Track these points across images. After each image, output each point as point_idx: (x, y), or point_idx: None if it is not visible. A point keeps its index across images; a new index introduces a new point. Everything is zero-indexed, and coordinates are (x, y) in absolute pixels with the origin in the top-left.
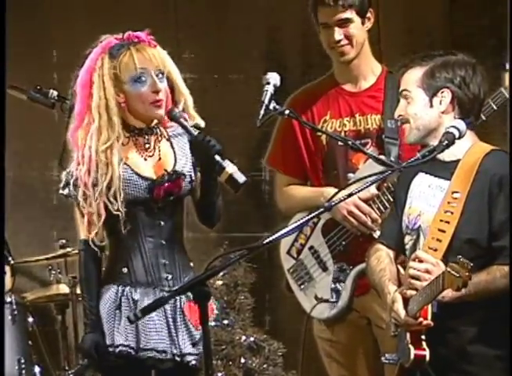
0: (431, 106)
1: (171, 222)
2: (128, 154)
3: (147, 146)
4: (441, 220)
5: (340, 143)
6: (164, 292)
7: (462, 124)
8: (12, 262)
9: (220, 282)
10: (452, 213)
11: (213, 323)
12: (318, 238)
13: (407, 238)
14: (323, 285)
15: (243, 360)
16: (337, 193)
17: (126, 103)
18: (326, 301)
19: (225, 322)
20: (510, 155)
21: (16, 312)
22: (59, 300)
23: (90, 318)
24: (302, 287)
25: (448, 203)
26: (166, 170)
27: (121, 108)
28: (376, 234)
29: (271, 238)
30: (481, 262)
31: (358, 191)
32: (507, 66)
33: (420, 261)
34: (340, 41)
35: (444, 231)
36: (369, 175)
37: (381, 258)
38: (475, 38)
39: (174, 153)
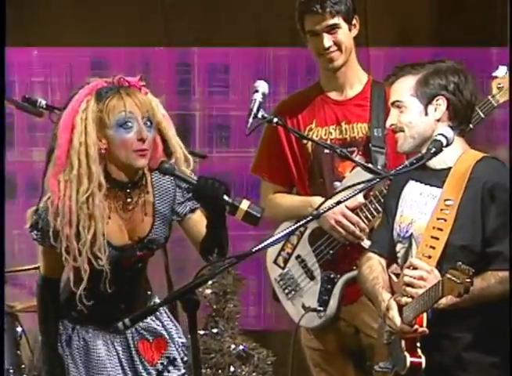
0: (426, 114)
1: (136, 283)
2: (109, 211)
3: (128, 200)
4: (434, 227)
5: (326, 151)
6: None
7: (450, 132)
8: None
9: (209, 290)
10: (445, 220)
11: (202, 332)
12: (305, 247)
13: (399, 246)
14: (311, 294)
15: (232, 369)
16: (325, 202)
17: (108, 150)
18: (314, 310)
19: (214, 330)
20: (510, 156)
21: (4, 322)
22: None
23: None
24: (289, 296)
25: (441, 210)
26: (140, 237)
27: (102, 155)
28: (364, 243)
29: (259, 246)
30: (475, 268)
31: (347, 199)
32: (494, 74)
33: (415, 268)
34: (329, 47)
35: (437, 238)
36: (357, 183)
37: (373, 266)
38: (463, 38)
39: (154, 212)
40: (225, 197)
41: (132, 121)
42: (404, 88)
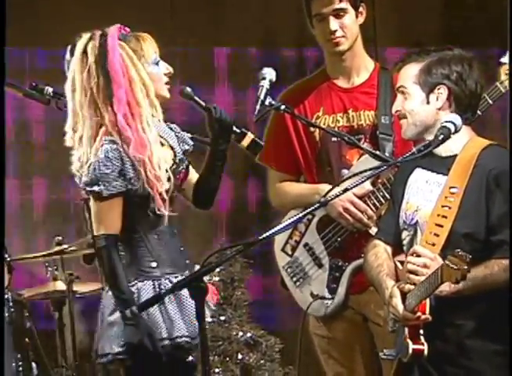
0: (428, 102)
1: (174, 211)
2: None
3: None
4: (438, 215)
5: (334, 139)
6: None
7: (458, 119)
8: (8, 258)
9: (216, 278)
10: (449, 208)
11: (210, 319)
12: (313, 235)
13: (404, 233)
14: (319, 282)
15: (240, 356)
16: (332, 189)
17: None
18: (322, 298)
19: (222, 318)
20: (510, 152)
21: (12, 310)
22: (55, 297)
23: (130, 312)
24: (297, 284)
25: (446, 198)
26: (173, 159)
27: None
28: (372, 231)
29: (266, 234)
30: (478, 256)
31: (354, 186)
32: (503, 60)
33: (418, 255)
34: (335, 31)
35: (441, 226)
36: (364, 170)
37: (379, 253)
38: (471, 34)
39: (169, 137)
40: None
41: (158, 59)
42: (408, 76)
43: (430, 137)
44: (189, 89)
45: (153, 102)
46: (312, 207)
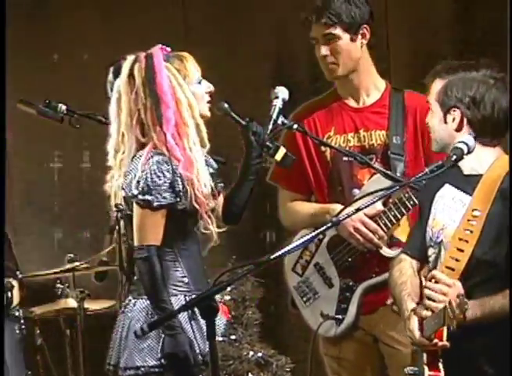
0: (445, 122)
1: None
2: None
3: None
4: (460, 239)
5: (345, 158)
6: None
7: (471, 140)
8: (20, 276)
9: (228, 297)
10: (471, 232)
11: (220, 338)
12: (323, 255)
13: (430, 250)
14: (329, 302)
15: None
16: (344, 209)
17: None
18: (333, 318)
19: (233, 337)
20: (510, 153)
21: (23, 327)
22: (67, 314)
23: (171, 322)
24: (308, 303)
25: (468, 221)
26: (209, 179)
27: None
28: (384, 251)
29: (277, 253)
30: (498, 283)
31: (366, 206)
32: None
33: (437, 281)
34: (326, 56)
35: (462, 250)
36: (377, 191)
37: (404, 269)
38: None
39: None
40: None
41: (200, 78)
42: (433, 91)
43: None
44: (226, 105)
45: (197, 122)
46: (324, 227)
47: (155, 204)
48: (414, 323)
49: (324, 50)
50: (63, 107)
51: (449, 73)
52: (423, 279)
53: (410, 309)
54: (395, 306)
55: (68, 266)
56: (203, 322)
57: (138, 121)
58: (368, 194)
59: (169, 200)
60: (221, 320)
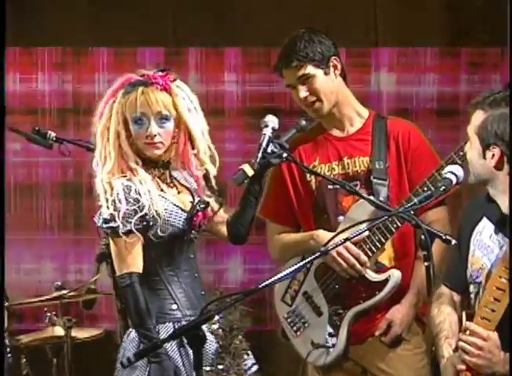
0: (484, 157)
1: (196, 254)
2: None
3: (164, 177)
4: (496, 287)
5: (330, 186)
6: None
7: (459, 170)
8: (6, 303)
9: (215, 326)
10: (508, 280)
11: (208, 368)
12: (311, 283)
13: (471, 287)
14: (319, 330)
15: None
16: (333, 238)
17: (132, 139)
18: (323, 346)
19: (220, 367)
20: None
21: (10, 355)
22: (53, 342)
23: (158, 351)
24: (298, 333)
25: (505, 268)
26: (191, 201)
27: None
28: (370, 276)
29: (266, 282)
30: None
31: (355, 236)
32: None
33: (471, 333)
34: (306, 97)
35: (499, 301)
36: (365, 221)
37: (442, 306)
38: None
39: (189, 184)
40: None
41: (143, 118)
42: (473, 123)
43: (492, 190)
44: (237, 178)
45: (129, 158)
46: (313, 257)
47: (122, 230)
48: (450, 374)
49: (303, 92)
50: (53, 134)
51: (492, 106)
52: (463, 317)
53: (446, 356)
54: (384, 337)
55: (55, 294)
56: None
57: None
58: (357, 224)
59: (136, 226)
60: (210, 348)
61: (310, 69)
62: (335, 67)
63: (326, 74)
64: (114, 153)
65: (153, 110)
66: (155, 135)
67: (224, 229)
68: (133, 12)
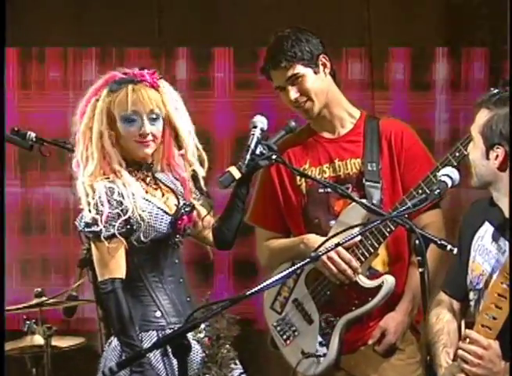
0: (488, 158)
1: (181, 259)
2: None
3: (148, 179)
4: (498, 294)
5: (321, 190)
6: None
7: (455, 173)
8: None
9: (201, 335)
10: (509, 286)
11: None
12: (302, 290)
13: (471, 295)
14: (310, 339)
15: None
16: (324, 243)
17: (117, 139)
18: (313, 355)
19: None
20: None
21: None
22: (33, 352)
23: (141, 360)
24: (288, 342)
25: (506, 275)
26: (176, 205)
27: (114, 142)
28: (363, 282)
29: (254, 289)
30: None
31: (346, 241)
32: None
33: (471, 341)
34: (297, 99)
35: (500, 308)
36: (357, 225)
37: (441, 314)
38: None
39: (174, 186)
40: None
41: (135, 116)
42: (477, 123)
43: (495, 193)
44: (222, 181)
45: (113, 160)
46: (303, 263)
47: (104, 234)
48: None
49: (293, 93)
50: (32, 135)
51: (497, 105)
52: (462, 325)
53: (445, 366)
54: (377, 346)
55: (35, 301)
56: (175, 361)
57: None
58: (348, 228)
59: (119, 230)
60: (196, 358)
61: (299, 68)
62: (324, 66)
63: (315, 72)
64: (97, 154)
65: (146, 108)
66: (148, 134)
67: (210, 235)
68: (119, 11)
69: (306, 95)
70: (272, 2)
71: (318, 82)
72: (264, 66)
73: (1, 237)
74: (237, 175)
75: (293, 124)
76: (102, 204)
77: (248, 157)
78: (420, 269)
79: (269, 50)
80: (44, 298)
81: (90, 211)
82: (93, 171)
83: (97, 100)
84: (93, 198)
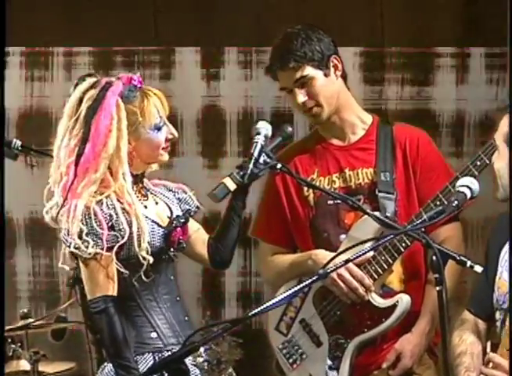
0: None
1: (176, 275)
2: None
3: (143, 191)
4: None
5: (330, 202)
6: None
7: (475, 183)
8: None
9: (201, 359)
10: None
11: None
12: (309, 309)
13: (497, 314)
14: (318, 363)
15: None
16: (333, 259)
17: (136, 150)
18: None
19: None
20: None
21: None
22: None
23: None
24: (294, 366)
25: None
26: (169, 216)
27: (129, 156)
28: (376, 301)
29: (257, 310)
30: None
31: (356, 257)
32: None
33: (495, 366)
34: (305, 102)
35: None
36: (369, 239)
37: (464, 335)
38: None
39: (166, 198)
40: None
41: (162, 122)
42: (501, 130)
43: None
44: (216, 194)
45: (122, 176)
46: (310, 280)
47: (93, 250)
48: None
49: (301, 96)
50: (18, 143)
51: None
52: (488, 347)
53: None
54: (392, 371)
55: (21, 323)
56: None
57: (72, 150)
58: (360, 243)
59: (109, 244)
60: None
61: (309, 70)
62: (336, 68)
63: (326, 75)
64: (103, 169)
65: (166, 113)
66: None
67: (204, 252)
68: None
69: (315, 100)
70: (273, 3)
71: (328, 86)
72: (270, 65)
73: (2, 238)
74: (232, 186)
75: (289, 129)
76: (89, 218)
77: (251, 166)
78: (438, 288)
79: (277, 48)
80: (30, 320)
81: (78, 225)
82: (94, 186)
83: (116, 115)
84: (87, 215)
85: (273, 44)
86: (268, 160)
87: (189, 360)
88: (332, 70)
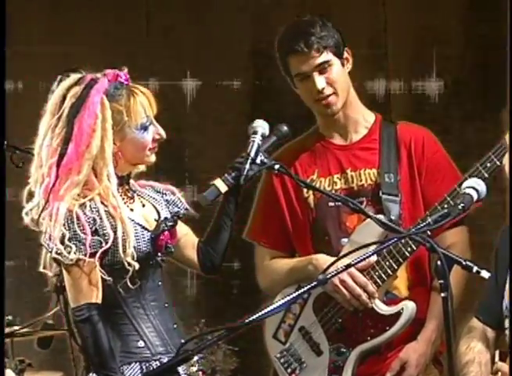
0: None
1: (164, 281)
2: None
3: (129, 193)
4: None
5: (331, 204)
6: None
7: (481, 185)
8: None
9: (194, 368)
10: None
11: None
12: (309, 317)
13: (506, 322)
14: (318, 373)
15: None
16: (333, 263)
17: (121, 150)
18: None
19: None
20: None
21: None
22: None
23: None
24: None
25: None
26: (156, 219)
27: (115, 157)
28: (379, 308)
29: (254, 317)
30: None
31: (358, 261)
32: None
33: (503, 375)
34: (323, 89)
35: None
36: (371, 243)
37: (472, 342)
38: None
39: (153, 200)
40: None
41: (148, 122)
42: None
43: None
44: (206, 196)
45: (106, 178)
46: (309, 286)
47: (75, 256)
48: None
49: (321, 82)
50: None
51: None
52: (496, 356)
53: None
54: None
55: (6, 331)
56: None
57: (54, 149)
58: (363, 247)
59: (92, 249)
60: None
61: (330, 56)
62: (347, 60)
63: (342, 65)
64: (86, 171)
65: (154, 112)
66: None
67: (193, 256)
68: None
69: (333, 87)
70: (269, 5)
71: (344, 76)
72: (287, 48)
73: (2, 238)
74: (223, 188)
75: (284, 128)
76: (72, 222)
77: (247, 166)
78: (443, 294)
79: (294, 32)
80: (16, 328)
81: (60, 229)
82: (77, 189)
83: (101, 114)
84: (70, 220)
85: (284, 29)
86: (266, 160)
87: (182, 370)
88: (345, 61)
